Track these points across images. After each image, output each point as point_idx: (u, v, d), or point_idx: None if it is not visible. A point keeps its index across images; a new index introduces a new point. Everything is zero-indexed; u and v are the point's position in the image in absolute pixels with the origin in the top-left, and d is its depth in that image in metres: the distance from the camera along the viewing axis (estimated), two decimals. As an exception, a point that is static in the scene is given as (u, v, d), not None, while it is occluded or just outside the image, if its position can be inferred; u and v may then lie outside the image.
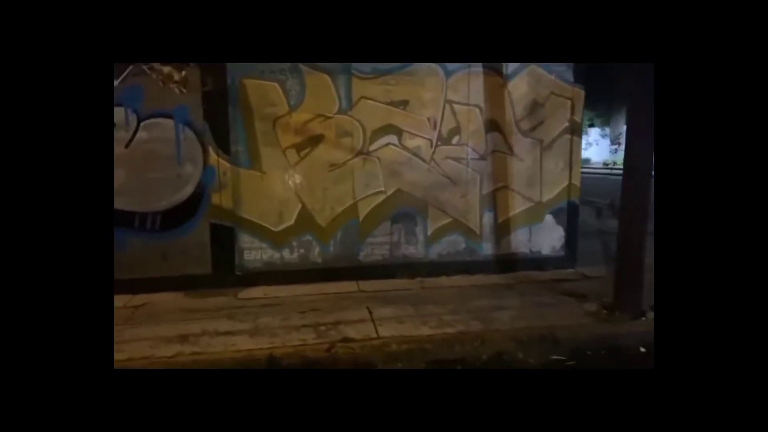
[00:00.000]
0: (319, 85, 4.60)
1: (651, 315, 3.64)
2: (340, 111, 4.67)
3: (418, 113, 4.83)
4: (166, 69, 4.29)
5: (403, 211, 4.93)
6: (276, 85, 4.53)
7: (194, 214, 4.50)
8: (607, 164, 31.39)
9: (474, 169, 5.03)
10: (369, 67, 4.65)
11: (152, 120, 4.31)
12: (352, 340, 3.36)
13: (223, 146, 4.50)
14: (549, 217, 5.28)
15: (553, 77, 5.05)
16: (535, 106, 5.05)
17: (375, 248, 4.92)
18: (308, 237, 4.78)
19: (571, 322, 3.63)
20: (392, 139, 4.81)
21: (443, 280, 4.85)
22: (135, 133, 4.30)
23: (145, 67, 4.22)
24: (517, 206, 5.18)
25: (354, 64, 4.61)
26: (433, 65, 4.78)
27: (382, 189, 4.85)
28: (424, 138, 4.89)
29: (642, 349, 3.32)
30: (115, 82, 4.14)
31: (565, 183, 5.25)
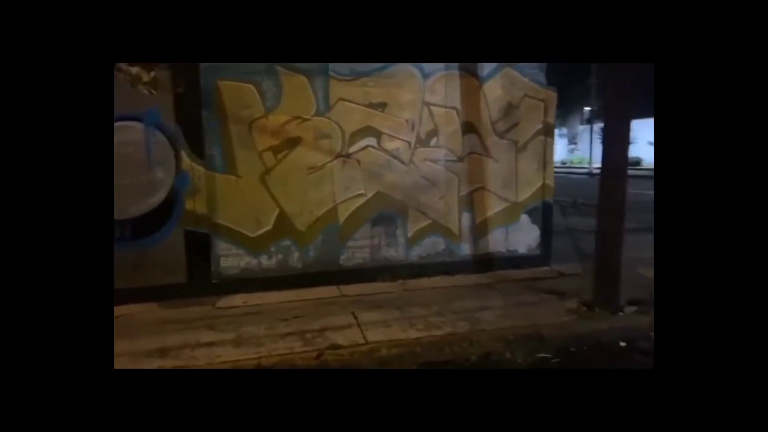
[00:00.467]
0: (296, 86, 4.50)
1: (628, 310, 3.79)
2: (318, 113, 4.59)
3: (396, 115, 4.82)
4: (134, 69, 4.09)
5: (384, 214, 4.91)
6: (251, 86, 4.40)
7: (167, 221, 4.31)
8: (565, 163, 32.56)
9: (452, 170, 5.07)
10: (347, 68, 4.59)
11: (120, 123, 4.08)
12: (341, 346, 3.30)
13: (197, 150, 4.33)
14: (525, 217, 5.39)
15: (526, 80, 5.15)
16: (509, 109, 5.14)
17: (356, 252, 4.87)
18: (287, 242, 4.68)
19: (554, 320, 3.71)
20: (371, 141, 4.78)
21: (424, 282, 4.85)
22: (102, 136, 4.06)
23: None
24: (494, 207, 5.26)
25: (331, 66, 4.54)
26: (410, 67, 4.78)
27: (363, 192, 4.81)
28: (403, 140, 4.88)
29: (622, 344, 3.44)
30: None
31: (540, 183, 5.38)
